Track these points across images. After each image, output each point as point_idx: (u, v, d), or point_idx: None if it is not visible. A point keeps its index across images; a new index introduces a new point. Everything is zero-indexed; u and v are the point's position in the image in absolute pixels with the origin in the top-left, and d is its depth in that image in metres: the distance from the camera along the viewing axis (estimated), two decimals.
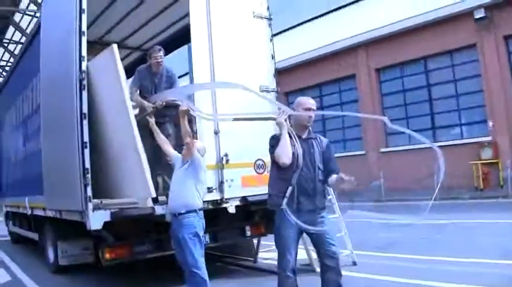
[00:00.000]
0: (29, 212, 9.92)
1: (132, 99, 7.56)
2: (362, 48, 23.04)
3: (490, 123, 18.51)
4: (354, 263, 7.92)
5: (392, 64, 21.93)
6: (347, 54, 23.50)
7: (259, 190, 7.47)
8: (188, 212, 6.20)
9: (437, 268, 7.23)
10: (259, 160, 7.73)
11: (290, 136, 4.88)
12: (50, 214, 8.28)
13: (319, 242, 4.99)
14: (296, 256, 5.02)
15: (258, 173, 7.74)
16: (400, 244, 9.57)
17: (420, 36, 20.29)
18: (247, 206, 7.73)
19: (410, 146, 20.46)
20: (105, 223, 6.48)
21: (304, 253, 7.96)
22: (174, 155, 6.76)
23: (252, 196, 7.59)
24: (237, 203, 7.54)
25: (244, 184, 7.61)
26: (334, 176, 4.92)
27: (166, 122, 7.66)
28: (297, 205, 4.84)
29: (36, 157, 8.71)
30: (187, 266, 6.30)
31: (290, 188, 4.82)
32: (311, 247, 7.66)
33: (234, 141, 7.48)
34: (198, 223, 6.28)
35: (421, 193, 16.36)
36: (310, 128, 5.13)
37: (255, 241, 8.86)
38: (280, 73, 25.67)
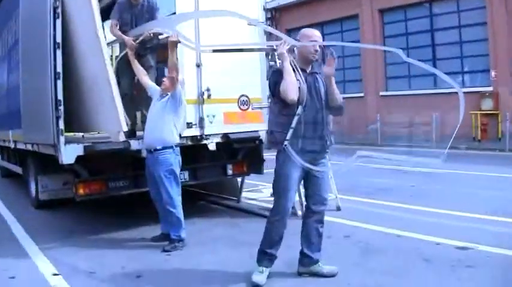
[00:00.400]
0: (12, 146, 9.70)
1: (112, 34, 7.20)
2: None
3: (493, 73, 18.07)
4: (338, 209, 7.69)
5: (396, 6, 21.22)
6: None
7: (243, 127, 7.31)
8: (164, 148, 6.01)
9: (421, 219, 7.00)
10: (243, 96, 7.43)
11: (293, 70, 4.51)
12: (29, 147, 8.07)
13: (313, 185, 4.77)
14: (293, 200, 4.82)
15: (241, 109, 7.45)
16: (390, 191, 9.35)
17: None
18: (229, 144, 7.46)
19: (410, 91, 20.32)
20: (81, 158, 6.27)
21: None
22: (152, 86, 6.47)
23: (235, 133, 7.34)
24: (218, 140, 7.28)
25: (227, 121, 7.32)
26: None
27: (148, 54, 7.25)
28: (302, 143, 4.54)
29: (17, 89, 8.42)
30: (162, 204, 6.15)
31: (294, 125, 4.49)
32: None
33: (217, 75, 7.13)
34: (175, 159, 6.09)
35: (418, 139, 16.25)
36: (313, 64, 4.77)
37: (239, 179, 8.62)
38: (282, 10, 25.18)
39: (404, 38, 21.00)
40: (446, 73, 16.58)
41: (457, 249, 5.53)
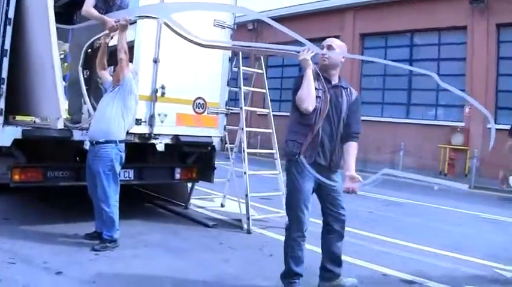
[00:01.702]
0: None
1: (87, 13, 6.78)
2: (350, 11, 22.30)
3: (467, 109, 18.02)
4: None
5: (378, 32, 21.22)
6: (334, 14, 22.78)
7: (196, 130, 7.05)
8: (107, 142, 5.69)
9: (372, 247, 6.78)
10: (199, 98, 7.13)
11: (316, 78, 4.35)
12: None
13: (328, 201, 4.60)
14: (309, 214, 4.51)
15: (196, 112, 7.15)
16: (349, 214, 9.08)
17: (411, 8, 19.51)
18: (179, 147, 7.18)
19: (380, 119, 20.29)
20: (21, 142, 5.96)
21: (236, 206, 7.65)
22: (107, 79, 6.14)
23: (187, 136, 7.05)
24: (168, 141, 6.95)
25: (179, 122, 7.01)
26: (347, 173, 4.39)
27: None
28: (316, 156, 4.38)
29: None
30: (98, 201, 5.83)
31: (311, 137, 4.33)
32: (242, 200, 7.22)
33: (174, 73, 6.85)
34: (116, 155, 5.77)
35: (384, 166, 16.00)
36: (341, 76, 4.63)
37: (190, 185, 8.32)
38: (266, 24, 25.15)
39: (382, 64, 20.93)
40: (420, 104, 16.67)
41: (402, 282, 5.31)
